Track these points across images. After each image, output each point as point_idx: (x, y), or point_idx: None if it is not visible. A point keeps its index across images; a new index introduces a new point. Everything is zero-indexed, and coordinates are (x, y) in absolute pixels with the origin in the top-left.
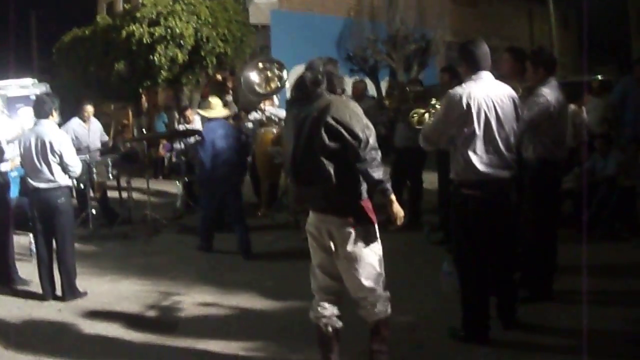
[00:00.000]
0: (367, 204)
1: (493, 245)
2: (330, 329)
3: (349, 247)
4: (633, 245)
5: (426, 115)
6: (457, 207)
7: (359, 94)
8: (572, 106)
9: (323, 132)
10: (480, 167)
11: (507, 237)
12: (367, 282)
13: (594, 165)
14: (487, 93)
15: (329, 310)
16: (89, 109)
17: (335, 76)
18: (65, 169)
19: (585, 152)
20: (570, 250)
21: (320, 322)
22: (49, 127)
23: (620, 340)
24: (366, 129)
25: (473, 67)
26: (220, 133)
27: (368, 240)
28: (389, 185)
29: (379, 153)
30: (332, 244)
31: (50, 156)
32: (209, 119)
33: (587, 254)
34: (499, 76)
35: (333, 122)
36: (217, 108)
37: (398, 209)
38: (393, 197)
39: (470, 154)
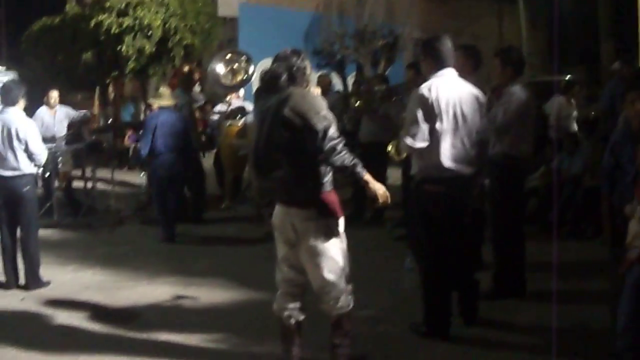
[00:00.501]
0: (331, 196)
1: (454, 242)
2: (292, 321)
3: (312, 241)
4: (597, 244)
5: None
6: (419, 203)
7: (324, 89)
8: (561, 98)
9: (281, 124)
10: (445, 163)
11: (469, 234)
12: (329, 276)
13: (560, 164)
14: (450, 90)
15: (292, 303)
16: (54, 94)
17: (299, 69)
18: (30, 156)
19: (553, 150)
20: (535, 248)
21: (282, 315)
22: (15, 115)
23: (582, 338)
24: (324, 120)
25: (437, 64)
26: (163, 120)
27: (331, 233)
28: (359, 168)
29: (341, 141)
30: (295, 237)
31: (15, 143)
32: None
33: (552, 252)
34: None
35: (290, 114)
36: (165, 97)
37: (377, 186)
38: (367, 176)
39: (435, 150)
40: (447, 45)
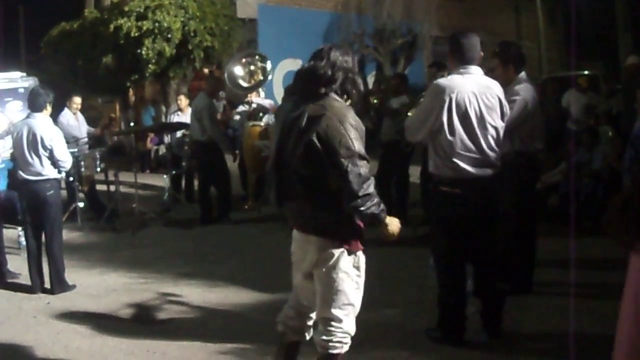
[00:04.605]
0: (351, 226)
1: (472, 246)
2: (285, 339)
3: (325, 271)
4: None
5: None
6: (435, 205)
7: None
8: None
9: (305, 148)
10: (459, 164)
11: (488, 238)
12: (336, 312)
13: (579, 160)
14: (472, 88)
15: (292, 321)
16: (77, 100)
17: (353, 74)
18: (55, 163)
19: (572, 146)
20: (556, 245)
21: (279, 327)
22: (42, 121)
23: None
24: (355, 159)
25: (460, 60)
26: None
27: (348, 267)
28: (383, 215)
29: (370, 183)
30: (310, 267)
31: (41, 150)
32: None
33: (573, 248)
34: (490, 70)
35: (318, 141)
36: None
37: (393, 227)
38: (386, 219)
39: (449, 149)
40: (472, 40)
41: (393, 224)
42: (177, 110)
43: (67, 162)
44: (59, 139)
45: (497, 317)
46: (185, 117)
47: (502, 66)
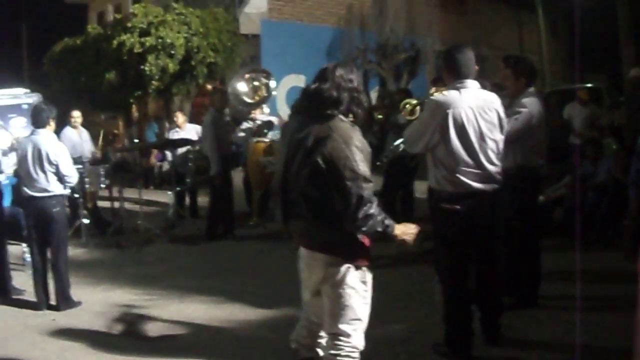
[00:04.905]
0: (357, 242)
1: (475, 260)
2: (299, 355)
3: (333, 287)
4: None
5: (417, 108)
6: (437, 221)
7: None
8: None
9: (310, 168)
10: (460, 178)
11: (490, 252)
12: (344, 327)
13: (583, 173)
14: (469, 103)
15: (305, 339)
16: (75, 114)
17: (358, 93)
18: (61, 179)
19: (577, 159)
20: (560, 258)
21: (292, 345)
22: (46, 137)
23: (606, 352)
24: (359, 181)
25: (456, 75)
26: None
27: (354, 282)
28: (390, 229)
29: (374, 204)
30: (318, 284)
31: (46, 166)
32: None
33: (578, 261)
34: (494, 85)
35: (324, 163)
36: None
37: (407, 233)
38: (395, 231)
39: (448, 164)
40: (467, 55)
41: (406, 232)
42: (175, 127)
43: (73, 177)
44: (64, 154)
45: (496, 324)
46: (184, 133)
47: (514, 78)
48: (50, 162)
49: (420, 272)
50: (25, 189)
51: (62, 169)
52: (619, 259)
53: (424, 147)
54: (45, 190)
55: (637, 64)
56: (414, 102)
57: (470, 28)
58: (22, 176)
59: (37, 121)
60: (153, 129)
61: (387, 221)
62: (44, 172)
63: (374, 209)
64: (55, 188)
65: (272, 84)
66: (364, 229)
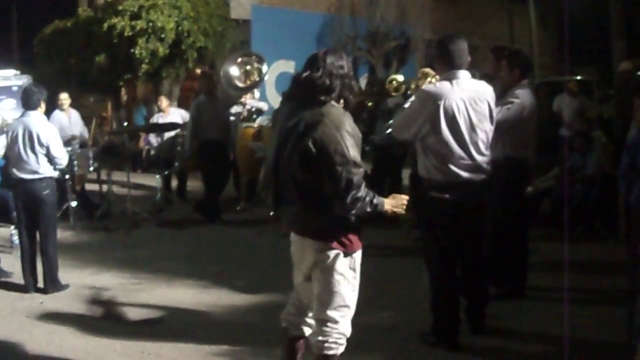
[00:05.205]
0: (347, 227)
1: (462, 250)
2: (290, 333)
3: (322, 273)
4: (611, 245)
5: (403, 86)
6: (425, 210)
7: None
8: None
9: (301, 153)
10: (450, 167)
11: (477, 241)
12: (332, 313)
13: (572, 165)
14: (460, 94)
15: (295, 316)
16: (63, 96)
17: (350, 79)
18: (52, 160)
19: (566, 151)
20: (548, 249)
21: (282, 323)
22: (37, 119)
23: (591, 344)
24: (349, 166)
25: (448, 65)
26: None
27: (344, 268)
28: (379, 207)
29: (363, 188)
30: (309, 268)
31: (37, 147)
32: None
33: (566, 252)
34: (483, 75)
35: (314, 147)
36: None
37: (394, 206)
38: (387, 206)
39: (439, 154)
40: (459, 45)
41: (396, 205)
42: (159, 111)
43: (63, 159)
44: (55, 136)
45: (481, 313)
46: (169, 118)
47: (508, 69)
48: (41, 144)
49: (408, 261)
50: (15, 171)
51: (53, 150)
52: (605, 251)
53: (413, 136)
54: (36, 172)
55: (628, 57)
56: (400, 78)
57: (460, 17)
58: (11, 158)
59: (28, 103)
60: (142, 113)
61: (376, 200)
62: (34, 153)
63: (362, 191)
64: (45, 170)
65: (264, 68)
66: (353, 212)
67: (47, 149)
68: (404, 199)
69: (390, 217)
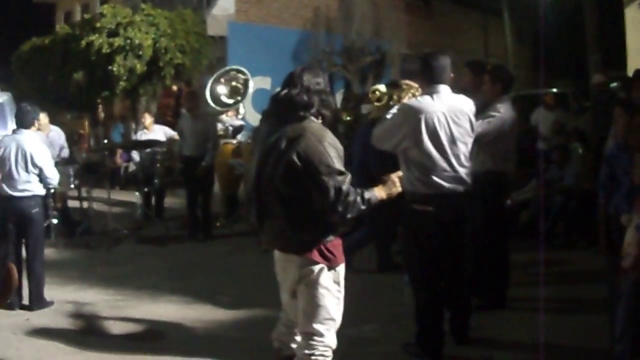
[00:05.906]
0: (330, 242)
1: (445, 261)
2: (282, 353)
3: (306, 287)
4: (590, 254)
5: (385, 97)
6: (408, 222)
7: None
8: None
9: (285, 167)
10: (433, 179)
11: (460, 253)
12: (318, 327)
13: (551, 177)
14: (441, 108)
15: (286, 336)
16: (41, 116)
17: (327, 95)
18: (44, 180)
19: (541, 163)
20: (527, 260)
21: (274, 344)
22: (31, 138)
23: (574, 352)
24: (336, 175)
25: (430, 81)
26: None
27: (328, 282)
28: (373, 200)
29: (352, 192)
30: (293, 285)
31: (30, 167)
32: None
33: (544, 263)
34: (461, 89)
35: (299, 160)
36: None
37: (387, 190)
38: (379, 193)
39: (422, 166)
40: (441, 61)
41: (391, 188)
42: (143, 128)
43: (55, 179)
44: (48, 157)
45: (464, 324)
46: (152, 134)
47: (491, 83)
48: (34, 165)
49: (392, 273)
50: (5, 188)
51: (46, 171)
52: (584, 260)
53: (393, 147)
54: (25, 190)
55: (602, 70)
56: (383, 89)
57: (436, 32)
58: (1, 175)
59: (22, 121)
60: (119, 130)
61: (367, 194)
62: (27, 172)
63: (352, 195)
64: (35, 188)
65: (251, 83)
66: (349, 215)
67: (41, 169)
68: (393, 177)
69: (394, 198)
